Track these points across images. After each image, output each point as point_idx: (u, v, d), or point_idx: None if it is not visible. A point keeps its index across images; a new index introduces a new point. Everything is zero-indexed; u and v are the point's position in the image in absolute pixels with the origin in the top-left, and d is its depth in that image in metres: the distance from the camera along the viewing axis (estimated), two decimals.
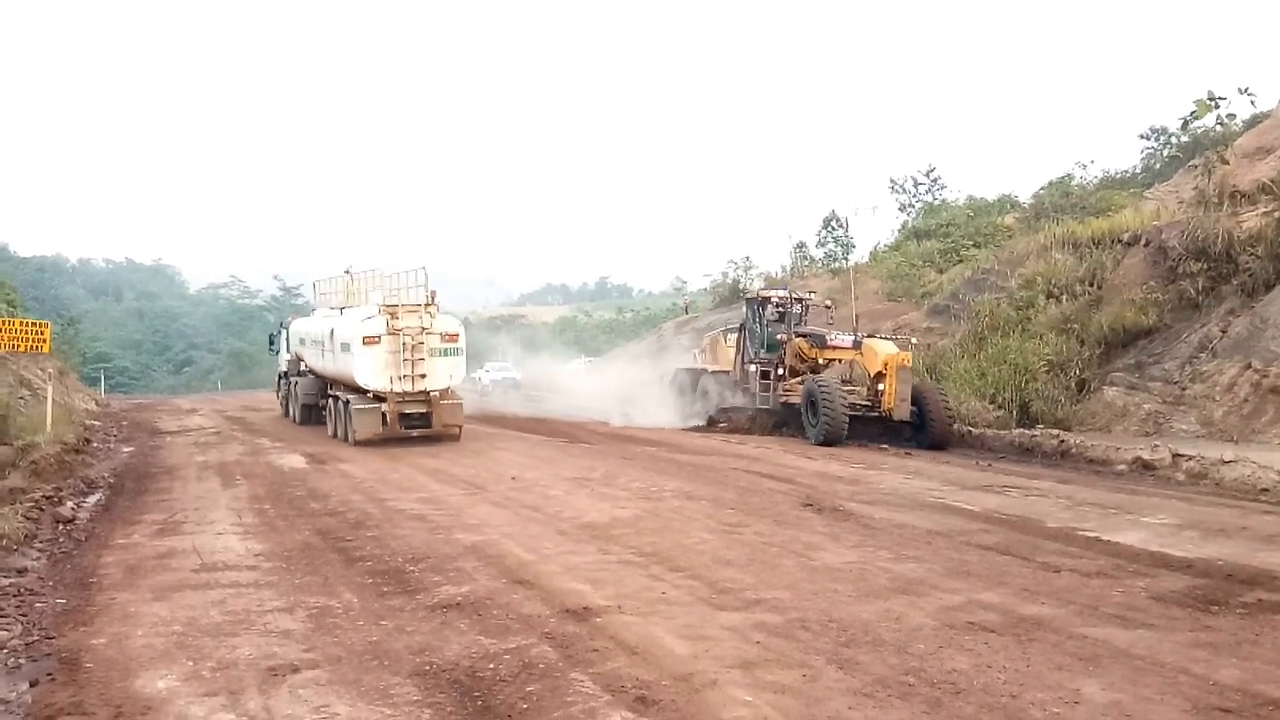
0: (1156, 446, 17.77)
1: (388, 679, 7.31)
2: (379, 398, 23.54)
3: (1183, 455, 17.03)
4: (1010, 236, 33.19)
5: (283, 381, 33.49)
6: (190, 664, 7.71)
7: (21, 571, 10.69)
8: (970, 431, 22.41)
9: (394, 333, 23.39)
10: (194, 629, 8.61)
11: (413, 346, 23.46)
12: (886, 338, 24.65)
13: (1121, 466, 17.89)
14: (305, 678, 7.36)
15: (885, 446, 22.03)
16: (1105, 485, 16.28)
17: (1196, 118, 34.21)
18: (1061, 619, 8.56)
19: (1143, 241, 24.36)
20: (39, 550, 11.80)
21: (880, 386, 22.75)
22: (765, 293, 28.24)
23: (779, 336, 26.04)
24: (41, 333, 24.91)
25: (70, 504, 14.92)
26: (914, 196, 48.02)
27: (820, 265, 48.80)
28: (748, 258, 58.74)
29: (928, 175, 48.28)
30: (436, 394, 23.68)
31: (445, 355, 23.88)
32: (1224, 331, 20.71)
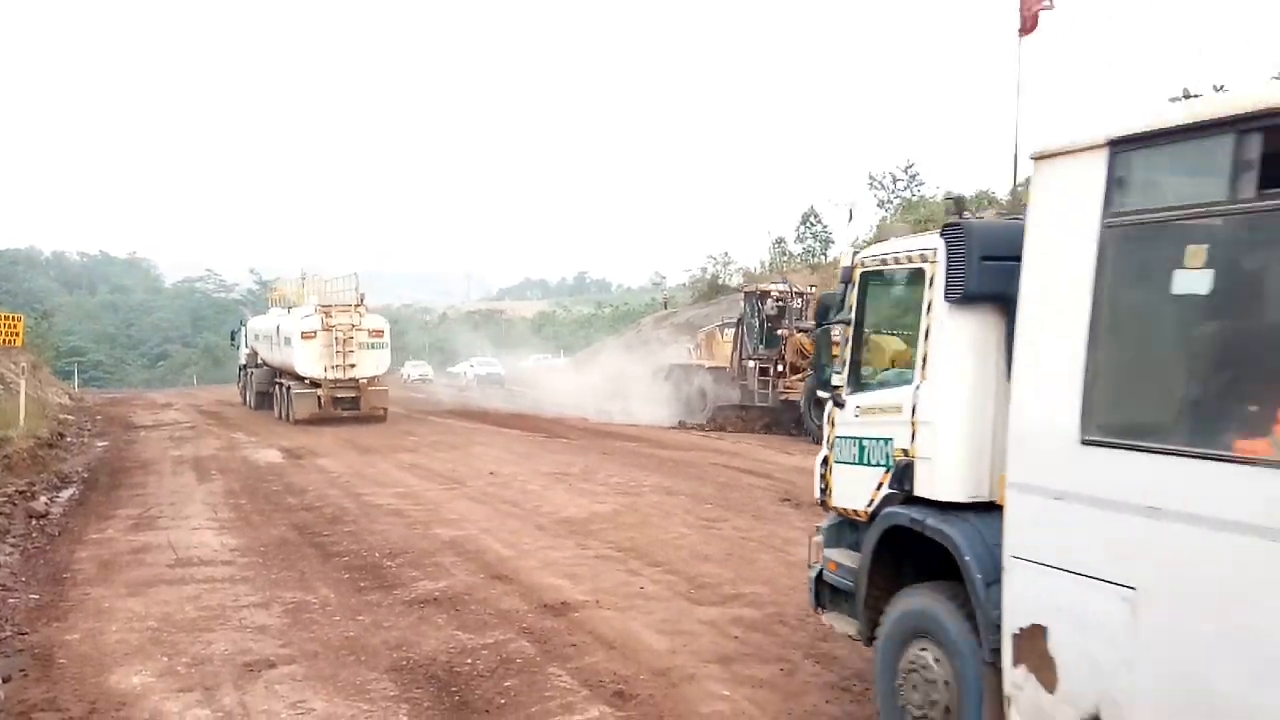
0: None
1: (364, 674, 7.28)
2: (315, 384, 27.96)
3: None
4: None
5: (242, 373, 37.33)
6: (165, 660, 7.66)
7: None
8: None
9: (328, 329, 27.98)
10: (169, 624, 8.55)
11: (344, 341, 28.05)
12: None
13: None
14: (281, 673, 7.32)
15: None
16: None
17: None
18: None
19: None
20: (12, 545, 11.69)
21: None
22: (764, 286, 27.53)
23: (779, 332, 25.24)
24: (14, 326, 24.71)
25: (44, 499, 14.81)
26: (893, 193, 48.15)
27: (799, 260, 48.88)
28: (726, 253, 58.73)
29: (906, 171, 48.45)
30: (364, 381, 28.32)
31: (372, 348, 28.65)
32: None
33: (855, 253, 6.68)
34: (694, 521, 12.71)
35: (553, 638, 8.05)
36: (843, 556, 6.31)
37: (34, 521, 13.15)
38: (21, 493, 14.71)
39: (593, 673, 7.22)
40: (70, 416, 30.13)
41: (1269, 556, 3.49)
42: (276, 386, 31.02)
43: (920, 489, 5.47)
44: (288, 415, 28.75)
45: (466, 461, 19.21)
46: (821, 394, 7.90)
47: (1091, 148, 4.28)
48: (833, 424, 6.46)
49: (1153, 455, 3.97)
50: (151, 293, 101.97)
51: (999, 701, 4.74)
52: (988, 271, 5.22)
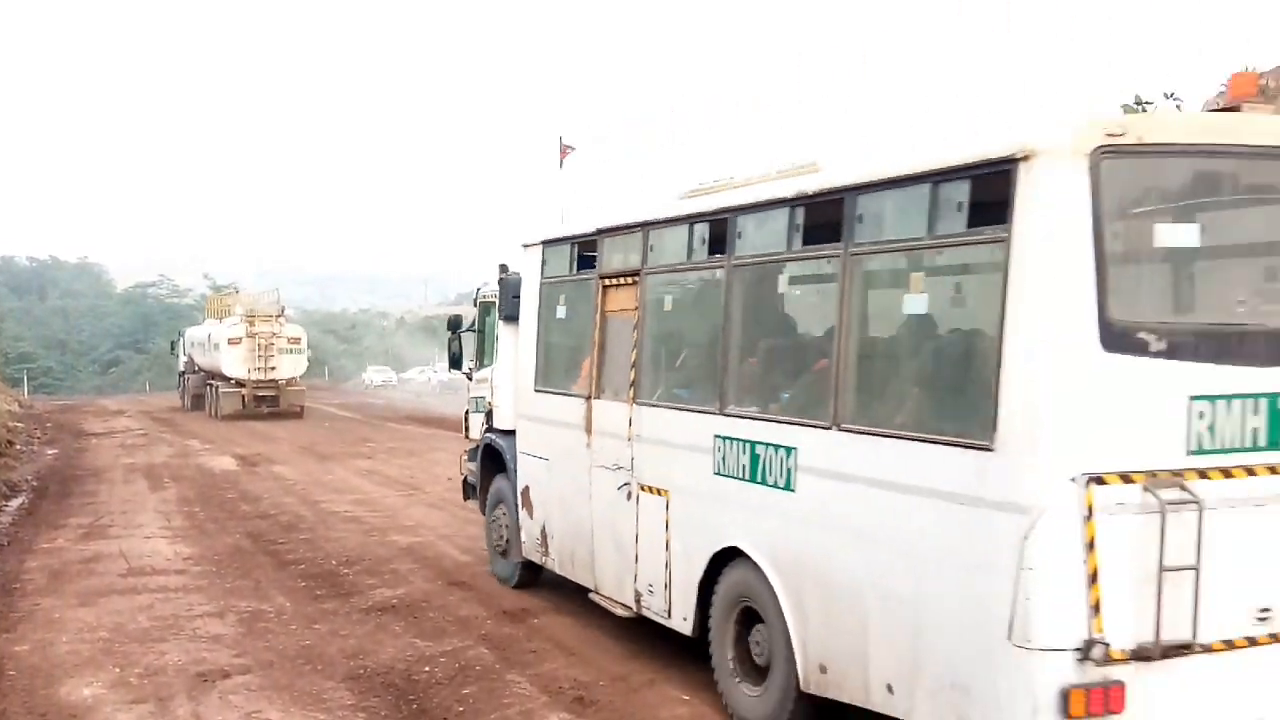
0: None
1: (321, 683, 7.22)
2: (240, 384, 32.75)
3: None
4: None
5: (181, 378, 42.03)
6: (117, 670, 7.55)
7: None
8: None
9: (251, 336, 32.77)
10: (121, 635, 8.44)
11: (265, 347, 32.84)
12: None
13: None
14: (236, 683, 7.25)
15: None
16: None
17: None
18: None
19: None
20: None
21: None
22: None
23: None
24: None
25: None
26: None
27: None
28: None
29: None
30: (283, 381, 33.22)
31: (290, 353, 33.76)
32: None
33: (479, 290, 11.26)
34: None
35: (512, 644, 8.03)
36: (472, 466, 10.74)
37: None
38: None
39: (552, 679, 7.21)
40: (19, 424, 29.60)
41: (576, 444, 8.05)
42: (209, 389, 35.08)
43: (496, 424, 9.84)
44: (216, 412, 33.28)
45: (424, 468, 19.10)
46: (452, 372, 12.53)
47: (534, 244, 8.89)
48: (469, 390, 11.39)
49: (555, 395, 8.52)
50: (103, 298, 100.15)
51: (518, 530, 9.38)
52: (514, 304, 9.34)
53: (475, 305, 11.22)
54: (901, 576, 5.04)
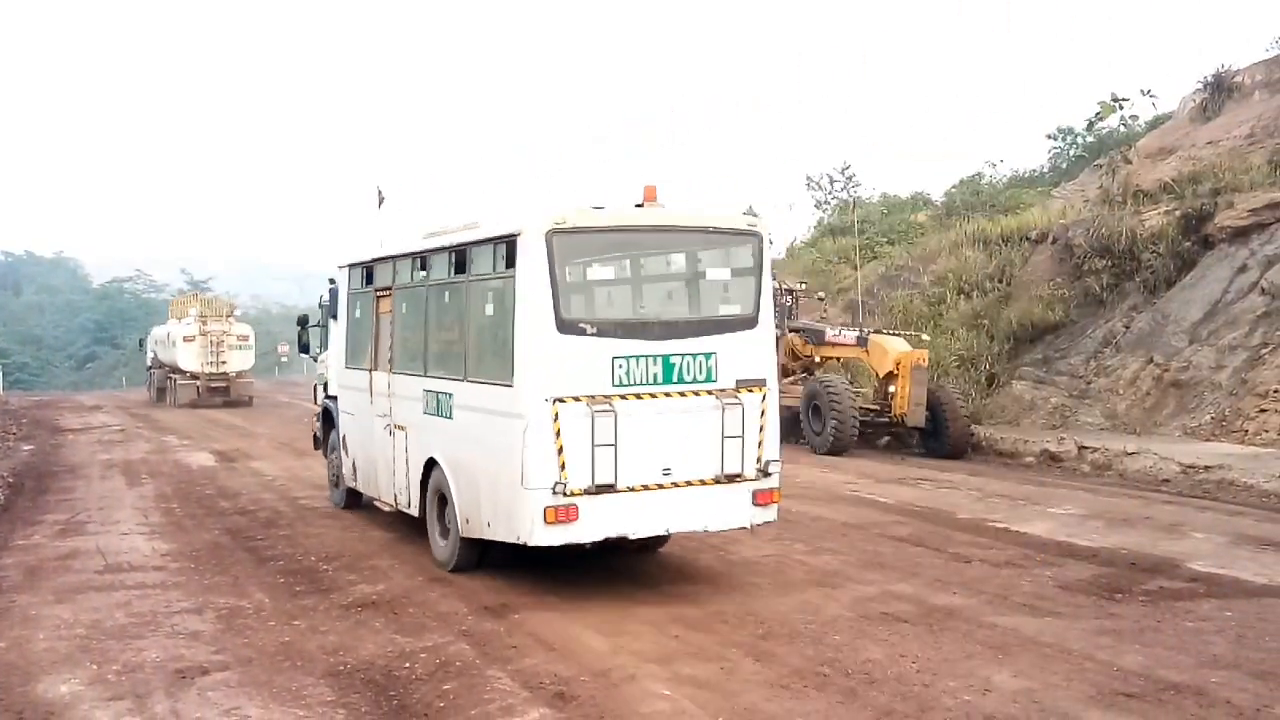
0: (1063, 439, 18.24)
1: (300, 680, 7.19)
2: (195, 376, 37.88)
3: (1088, 447, 17.50)
4: (923, 234, 33.62)
5: (148, 373, 45.91)
6: (95, 668, 7.50)
7: None
8: None
9: (204, 334, 37.88)
10: (98, 632, 8.38)
11: (217, 343, 38.02)
12: (897, 334, 21.54)
13: (1029, 459, 18.34)
14: (215, 680, 7.21)
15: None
16: (1014, 477, 16.69)
17: (1101, 119, 35.13)
18: (972, 609, 8.74)
19: (1050, 239, 24.86)
20: None
21: (891, 389, 19.89)
22: None
23: None
24: None
25: None
26: (829, 194, 48.46)
27: None
28: None
29: (843, 173, 48.78)
30: (234, 374, 38.37)
31: (240, 349, 38.76)
32: (1127, 327, 21.30)
33: (321, 296, 14.77)
34: None
35: (492, 640, 8.01)
36: (318, 425, 15.02)
37: None
38: None
39: (533, 674, 7.20)
40: None
41: (365, 402, 12.16)
42: (169, 381, 39.75)
43: (330, 392, 13.87)
44: (173, 401, 38.08)
45: None
46: (302, 354, 16.91)
47: (344, 265, 13.09)
48: (321, 365, 15.07)
49: (355, 370, 12.61)
50: (79, 293, 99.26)
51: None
52: (335, 307, 13.53)
53: (320, 307, 15.04)
54: (488, 460, 9.15)
